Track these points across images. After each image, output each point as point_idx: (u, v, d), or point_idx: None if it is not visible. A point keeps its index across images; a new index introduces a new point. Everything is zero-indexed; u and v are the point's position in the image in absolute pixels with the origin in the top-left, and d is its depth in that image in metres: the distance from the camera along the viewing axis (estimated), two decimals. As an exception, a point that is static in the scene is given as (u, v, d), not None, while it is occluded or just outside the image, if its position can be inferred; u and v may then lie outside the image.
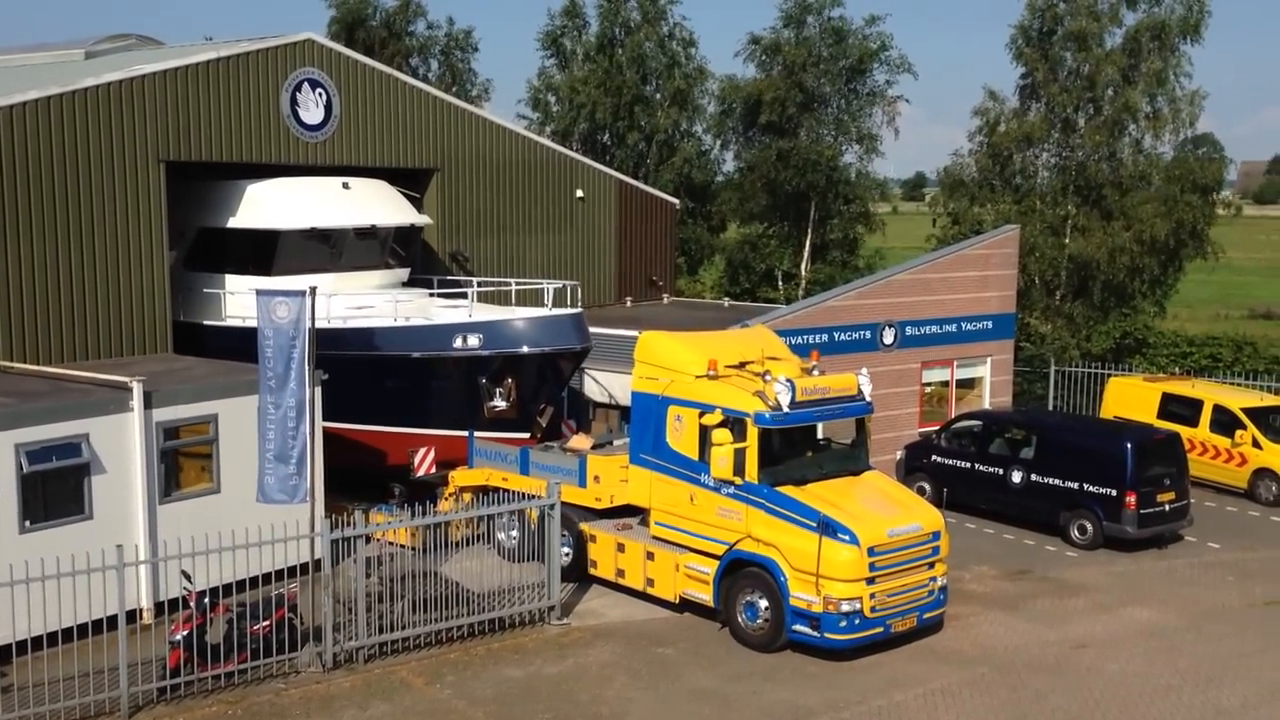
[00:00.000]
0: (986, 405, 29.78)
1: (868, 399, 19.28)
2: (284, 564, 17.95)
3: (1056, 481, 23.77)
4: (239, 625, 16.64)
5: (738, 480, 18.05)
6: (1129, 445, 23.24)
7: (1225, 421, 27.66)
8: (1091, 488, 23.26)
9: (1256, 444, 27.09)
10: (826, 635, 17.27)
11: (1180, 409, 28.46)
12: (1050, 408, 33.86)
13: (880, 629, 17.55)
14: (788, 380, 18.20)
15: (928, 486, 25.29)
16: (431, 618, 18.07)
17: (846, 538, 17.21)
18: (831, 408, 18.82)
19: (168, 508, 18.85)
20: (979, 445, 25.44)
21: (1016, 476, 24.39)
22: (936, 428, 27.20)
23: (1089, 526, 23.33)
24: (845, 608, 17.15)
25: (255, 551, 17.14)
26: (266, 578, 17.98)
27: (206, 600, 16.47)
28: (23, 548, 16.93)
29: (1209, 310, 69.21)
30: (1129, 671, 17.36)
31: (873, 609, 17.36)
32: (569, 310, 23.65)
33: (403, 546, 19.57)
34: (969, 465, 25.30)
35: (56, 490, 17.69)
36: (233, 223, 25.20)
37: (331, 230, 25.31)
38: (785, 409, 18.07)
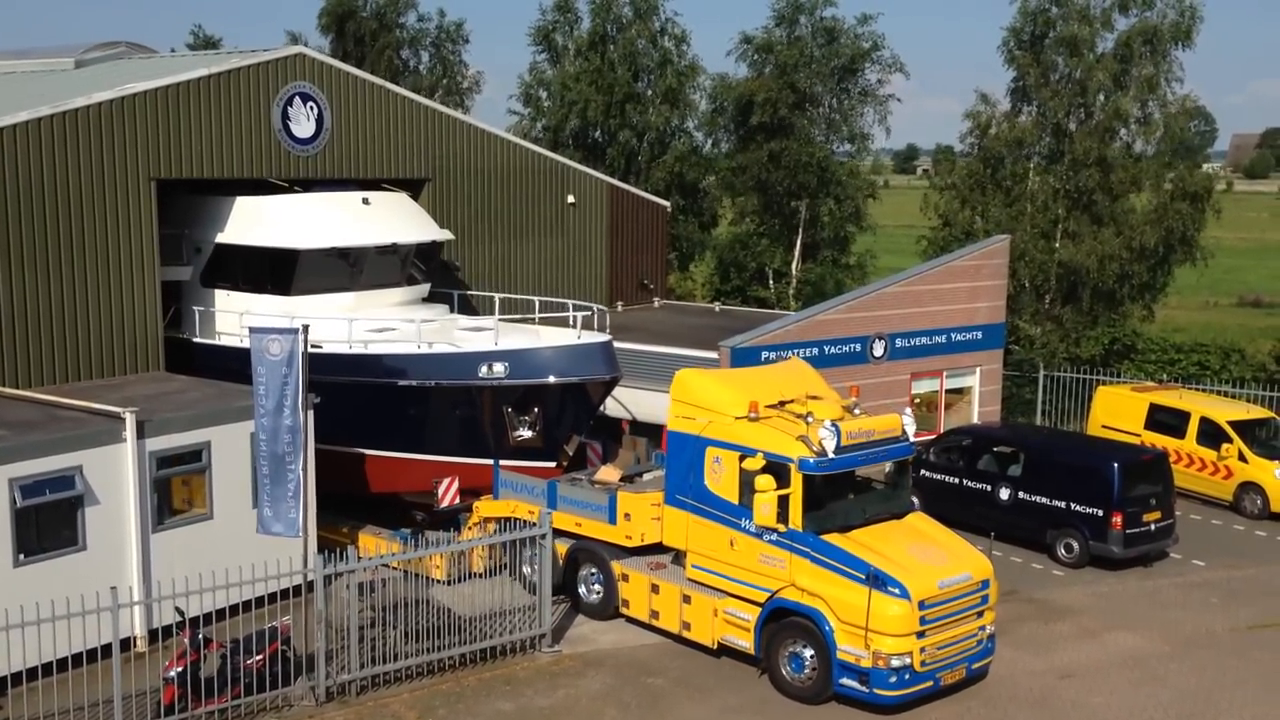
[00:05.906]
0: (975, 415, 29.96)
1: (911, 439, 18.82)
2: (276, 589, 18.12)
3: (1044, 500, 23.95)
4: (233, 660, 16.75)
5: (781, 527, 17.45)
6: (1116, 465, 23.40)
7: (1212, 434, 27.82)
8: (1078, 507, 23.43)
9: (1242, 457, 27.27)
10: (875, 690, 16.71)
11: (1167, 420, 28.65)
12: (1039, 413, 34.06)
13: (930, 682, 17.01)
14: (833, 424, 17.52)
15: (916, 501, 25.42)
16: (423, 647, 18.17)
17: (897, 591, 16.65)
18: (875, 450, 18.16)
19: (161, 535, 18.94)
20: (967, 461, 25.58)
21: (1004, 493, 24.56)
22: (927, 438, 27.34)
23: (1075, 545, 23.53)
24: (895, 663, 16.61)
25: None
26: (259, 601, 18.15)
27: (201, 636, 16.58)
28: (16, 581, 17.07)
29: (1198, 298, 68.46)
30: (1113, 705, 17.56)
31: (923, 663, 16.82)
32: (598, 338, 22.81)
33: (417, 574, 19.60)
34: (957, 481, 25.45)
35: (50, 522, 17.77)
36: (251, 240, 24.48)
37: (352, 249, 24.76)
38: (830, 454, 17.41)
